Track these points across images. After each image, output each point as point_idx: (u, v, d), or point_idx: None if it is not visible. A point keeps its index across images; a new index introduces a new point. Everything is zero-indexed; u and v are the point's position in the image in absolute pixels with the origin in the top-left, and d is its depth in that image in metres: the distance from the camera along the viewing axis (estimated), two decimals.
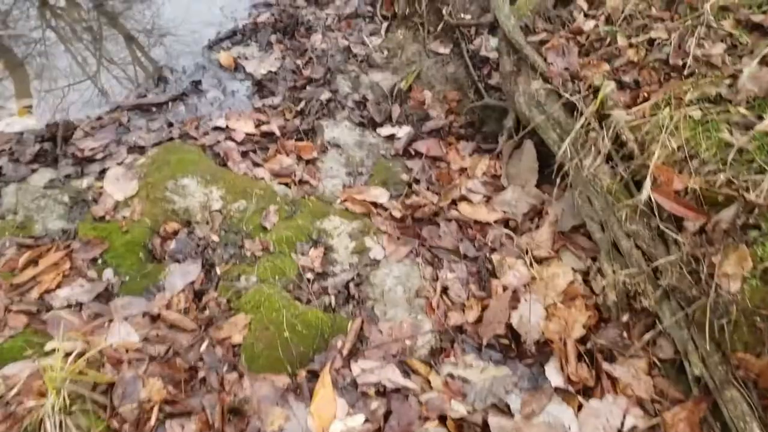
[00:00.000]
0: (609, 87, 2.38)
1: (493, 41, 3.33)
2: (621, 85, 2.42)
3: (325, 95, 3.39)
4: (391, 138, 3.18)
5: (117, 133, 3.13)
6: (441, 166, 3.02)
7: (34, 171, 2.86)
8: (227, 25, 4.09)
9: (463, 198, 2.79)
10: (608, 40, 2.56)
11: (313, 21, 4.01)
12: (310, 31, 3.92)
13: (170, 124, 3.23)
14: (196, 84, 3.55)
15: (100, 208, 2.67)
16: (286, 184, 2.88)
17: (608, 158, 2.32)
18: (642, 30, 2.51)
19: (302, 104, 3.35)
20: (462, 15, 3.47)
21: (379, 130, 3.22)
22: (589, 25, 2.65)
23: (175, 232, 2.62)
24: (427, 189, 2.88)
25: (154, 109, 3.36)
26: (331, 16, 4.07)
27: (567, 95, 2.46)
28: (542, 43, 2.70)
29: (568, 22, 2.80)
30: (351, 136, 3.18)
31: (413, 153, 3.09)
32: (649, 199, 2.07)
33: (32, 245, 2.54)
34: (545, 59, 2.62)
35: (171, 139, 3.09)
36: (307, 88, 3.47)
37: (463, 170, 2.97)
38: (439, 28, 3.53)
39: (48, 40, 3.81)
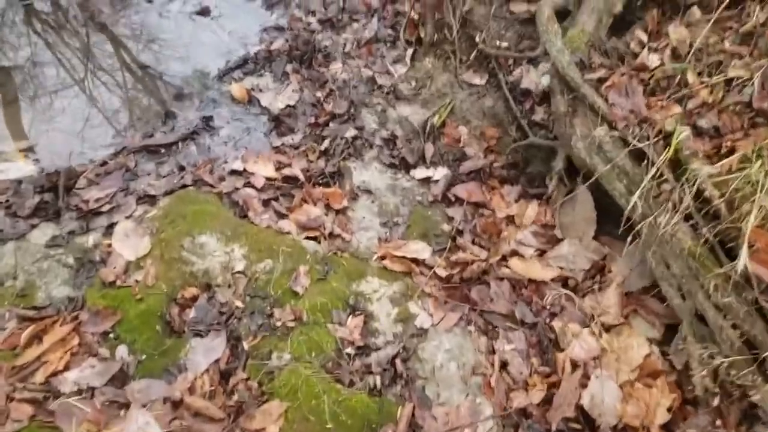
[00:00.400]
0: (684, 133, 2.16)
1: (535, 72, 3.10)
2: (697, 131, 2.20)
3: (351, 132, 3.17)
4: (426, 181, 2.96)
5: (124, 180, 2.91)
6: (485, 213, 2.80)
7: (34, 226, 2.65)
8: (237, 52, 3.87)
9: (514, 252, 2.57)
10: (677, 78, 2.34)
11: (330, 47, 3.79)
12: (328, 59, 3.70)
13: (182, 168, 3.02)
14: (208, 120, 3.33)
15: (109, 271, 2.44)
16: (315, 239, 2.66)
17: (687, 216, 2.10)
18: (716, 67, 2.29)
19: (326, 143, 3.13)
20: (497, 42, 3.25)
21: (412, 172, 3.00)
22: (653, 60, 2.43)
23: (194, 298, 2.41)
24: (473, 242, 2.66)
25: (162, 150, 3.14)
26: (349, 41, 3.85)
27: (634, 142, 2.24)
28: (601, 80, 2.48)
29: (626, 56, 2.58)
30: (382, 179, 2.96)
31: (453, 199, 2.87)
32: (745, 268, 1.84)
33: (35, 317, 2.32)
34: (606, 99, 2.40)
35: (184, 186, 2.88)
36: (330, 124, 3.25)
37: (509, 218, 2.75)
38: (472, 56, 3.31)
39: (44, 73, 3.58)
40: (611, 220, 2.59)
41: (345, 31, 4.00)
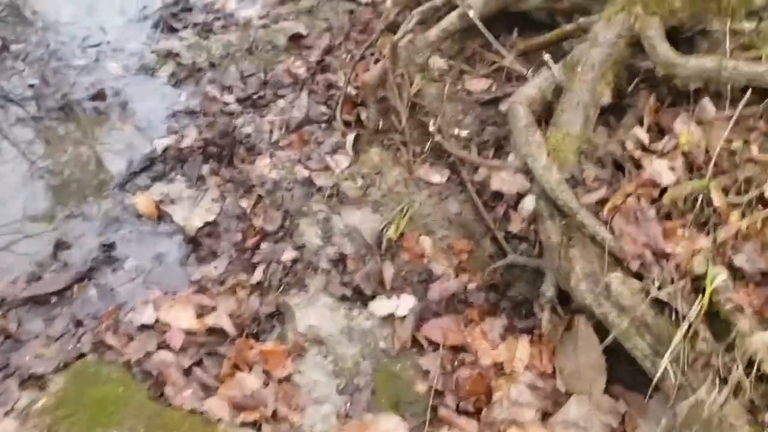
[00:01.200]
0: (719, 277, 1.77)
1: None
2: (735, 272, 1.80)
3: (289, 254, 2.70)
4: (390, 319, 2.49)
5: (3, 354, 2.38)
6: (466, 360, 2.35)
7: None
8: (141, 148, 3.33)
9: (512, 421, 2.13)
10: (698, 197, 1.94)
11: (254, 136, 3.30)
12: (252, 153, 3.20)
13: (78, 323, 2.53)
14: (109, 249, 2.83)
15: None
16: (255, 423, 2.16)
17: (740, 391, 1.70)
18: (747, 184, 1.91)
19: (258, 272, 2.66)
20: (456, 131, 2.82)
21: (371, 305, 2.53)
22: (662, 172, 2.02)
23: None
24: (457, 408, 2.20)
25: (53, 299, 2.62)
26: (276, 126, 3.36)
27: (655, 291, 1.83)
28: (601, 202, 2.08)
29: (624, 163, 2.18)
30: (334, 320, 2.48)
31: (425, 343, 2.41)
32: None
33: None
34: (611, 228, 1.99)
35: (81, 355, 2.37)
36: (262, 244, 2.77)
37: (497, 366, 2.31)
38: (427, 147, 2.87)
39: None
40: (621, 362, 2.19)
41: (269, 110, 3.51)
